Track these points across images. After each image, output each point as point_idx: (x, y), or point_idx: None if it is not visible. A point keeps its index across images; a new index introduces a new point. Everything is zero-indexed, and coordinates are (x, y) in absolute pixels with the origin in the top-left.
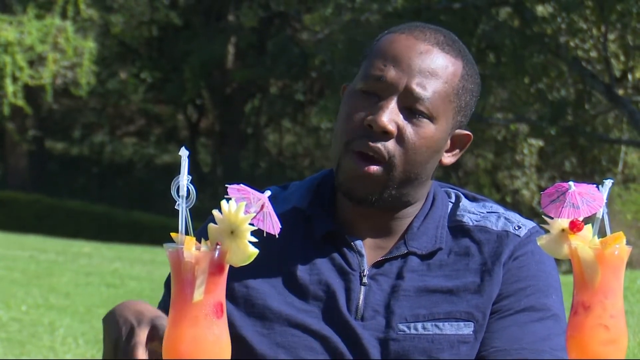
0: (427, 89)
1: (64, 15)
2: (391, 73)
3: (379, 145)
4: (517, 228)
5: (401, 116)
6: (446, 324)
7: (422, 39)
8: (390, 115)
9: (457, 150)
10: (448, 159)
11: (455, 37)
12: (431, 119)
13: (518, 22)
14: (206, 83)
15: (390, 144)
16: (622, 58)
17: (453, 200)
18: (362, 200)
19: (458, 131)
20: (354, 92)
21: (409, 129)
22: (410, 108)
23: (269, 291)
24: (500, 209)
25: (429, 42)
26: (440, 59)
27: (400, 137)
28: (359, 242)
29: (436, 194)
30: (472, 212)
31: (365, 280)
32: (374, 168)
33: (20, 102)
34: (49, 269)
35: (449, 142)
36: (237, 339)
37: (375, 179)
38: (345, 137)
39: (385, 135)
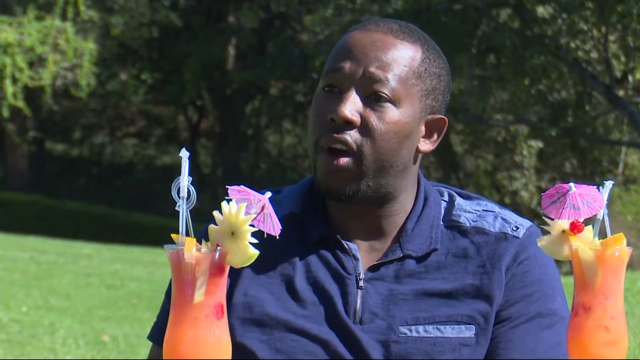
0: (385, 72)
1: (64, 17)
2: (347, 64)
3: (344, 135)
4: (515, 229)
5: (363, 104)
6: (447, 327)
7: (375, 29)
8: (351, 105)
9: (435, 137)
10: (426, 145)
11: (413, 26)
12: (394, 102)
13: (518, 23)
14: (206, 84)
15: (356, 134)
16: (622, 59)
17: (446, 199)
18: (340, 195)
19: (431, 116)
20: (318, 93)
21: (372, 116)
22: (372, 94)
23: (267, 298)
24: (496, 208)
25: (382, 31)
26: (397, 45)
27: (364, 125)
28: (353, 246)
29: (428, 193)
30: (468, 211)
31: (361, 283)
32: (344, 160)
33: (20, 103)
34: (49, 270)
35: (423, 128)
36: (237, 346)
37: (348, 171)
38: (314, 136)
39: (349, 125)
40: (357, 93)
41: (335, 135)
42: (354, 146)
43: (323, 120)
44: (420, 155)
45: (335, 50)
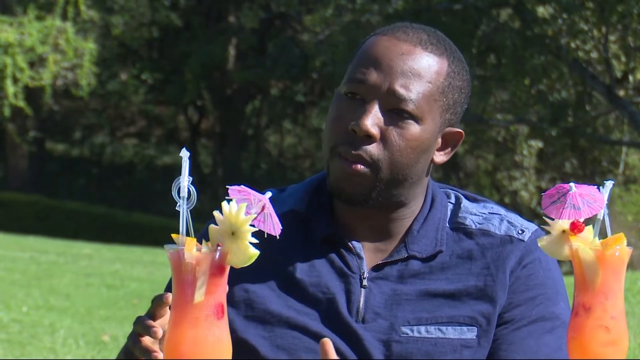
0: (410, 90)
1: (64, 17)
2: (373, 76)
3: (360, 152)
4: (520, 232)
5: (385, 119)
6: (449, 328)
7: (404, 39)
8: (373, 119)
9: (449, 149)
10: (440, 157)
11: (441, 34)
12: (416, 119)
13: (519, 23)
14: (207, 84)
15: (374, 148)
16: (622, 59)
17: (453, 201)
18: (352, 200)
19: (449, 129)
20: (339, 95)
21: (393, 132)
22: (394, 110)
23: (269, 295)
24: (502, 211)
25: (410, 42)
26: (423, 58)
27: (384, 140)
28: (358, 245)
29: (435, 195)
30: (474, 213)
31: (365, 282)
32: (361, 167)
33: (21, 103)
34: (49, 270)
35: (439, 140)
36: (239, 342)
37: (363, 178)
38: (331, 141)
39: (368, 139)
40: (380, 106)
41: (353, 151)
42: (371, 160)
43: (342, 127)
44: (432, 165)
45: (362, 55)
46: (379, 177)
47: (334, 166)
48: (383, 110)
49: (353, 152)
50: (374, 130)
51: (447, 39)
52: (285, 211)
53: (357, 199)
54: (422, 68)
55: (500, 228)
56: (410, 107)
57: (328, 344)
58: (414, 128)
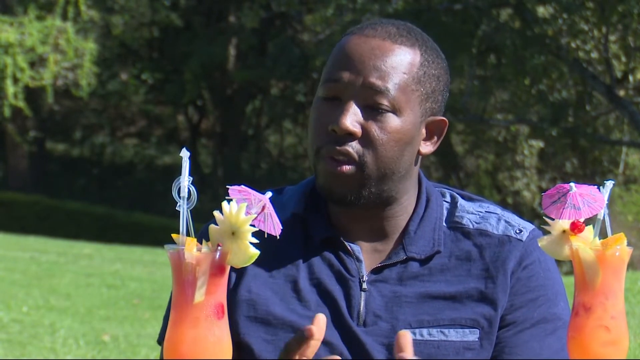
0: (385, 82)
1: (64, 17)
2: (346, 75)
3: (347, 147)
4: (518, 232)
5: (363, 115)
6: (451, 330)
7: (373, 35)
8: (352, 117)
9: (435, 138)
10: (427, 148)
11: (411, 26)
12: (395, 112)
13: (519, 23)
14: (207, 84)
15: (358, 145)
16: (623, 59)
17: (448, 200)
18: (342, 200)
19: (431, 118)
20: (317, 99)
21: (373, 126)
22: (372, 105)
23: (271, 297)
24: (499, 210)
25: (380, 37)
26: (394, 51)
27: (366, 136)
28: (356, 248)
29: (430, 194)
30: (470, 212)
31: (364, 286)
32: (347, 167)
33: (21, 103)
34: (49, 270)
35: (423, 131)
36: (241, 345)
37: (351, 178)
38: (315, 144)
39: (350, 136)
40: (357, 103)
41: (337, 147)
42: (356, 157)
43: (324, 130)
44: (420, 157)
45: (334, 58)
46: (365, 173)
47: (320, 168)
48: (361, 107)
49: (337, 148)
50: (354, 128)
51: (418, 30)
52: (287, 215)
53: (348, 199)
54: (394, 60)
55: (497, 228)
56: (386, 99)
57: (321, 319)
58: (393, 120)
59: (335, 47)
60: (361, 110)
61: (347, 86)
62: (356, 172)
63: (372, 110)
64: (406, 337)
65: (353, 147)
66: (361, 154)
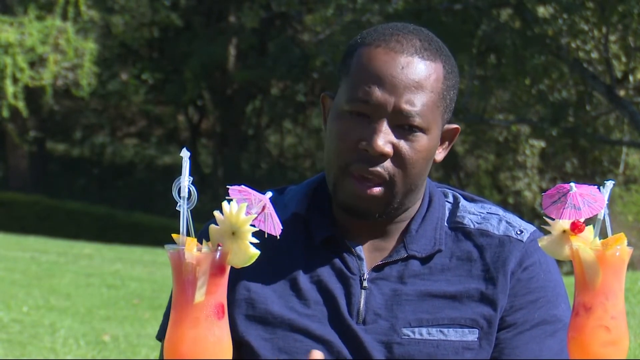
0: (415, 105)
1: (64, 17)
2: (377, 94)
3: (379, 169)
4: (519, 232)
5: (394, 135)
6: (450, 330)
7: (400, 50)
8: (385, 137)
9: (447, 144)
10: (440, 155)
11: (431, 35)
12: (423, 130)
13: (519, 23)
14: (207, 84)
15: (389, 164)
16: (623, 59)
17: (451, 200)
18: (368, 217)
19: (446, 126)
20: (341, 112)
21: (404, 146)
22: (403, 125)
23: (271, 295)
24: (500, 211)
25: (407, 52)
26: (422, 68)
27: (397, 156)
28: (358, 247)
29: (432, 194)
30: (472, 212)
31: (365, 284)
32: (377, 190)
33: (20, 103)
34: (49, 270)
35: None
36: (240, 343)
37: (379, 199)
38: (341, 160)
39: (382, 157)
40: (388, 123)
41: (369, 168)
42: (387, 177)
43: (353, 146)
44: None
45: (362, 73)
46: (394, 192)
47: (346, 185)
48: (391, 127)
49: (370, 169)
50: (387, 149)
51: (436, 37)
52: (289, 215)
53: (374, 216)
54: (423, 78)
55: (498, 228)
56: (417, 121)
57: (318, 355)
58: (423, 139)
59: (358, 60)
60: (392, 130)
61: (378, 106)
62: (385, 193)
63: (402, 130)
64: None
65: (385, 168)
66: (392, 173)
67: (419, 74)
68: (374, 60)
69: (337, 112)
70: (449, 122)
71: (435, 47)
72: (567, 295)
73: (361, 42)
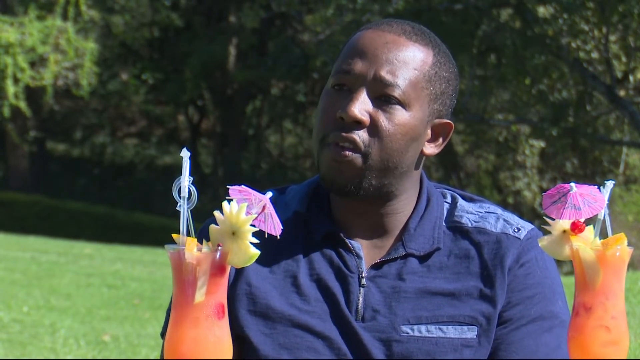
0: (396, 76)
1: (65, 17)
2: (358, 65)
3: (353, 135)
4: (516, 230)
5: (372, 105)
6: (450, 327)
7: (388, 30)
8: (361, 105)
9: (440, 140)
10: (431, 149)
11: (425, 29)
12: (403, 105)
13: (519, 23)
14: (207, 84)
15: (364, 134)
16: (623, 59)
17: (449, 200)
18: (343, 188)
19: (438, 120)
20: (326, 90)
21: (381, 117)
22: (382, 96)
23: (271, 291)
24: (499, 210)
25: (395, 32)
26: (409, 47)
27: (373, 125)
28: (356, 244)
29: (431, 194)
30: (470, 212)
31: (364, 281)
32: (350, 153)
33: (21, 103)
34: (50, 270)
35: (429, 131)
36: (241, 338)
37: (353, 165)
38: (320, 132)
39: (357, 124)
40: (367, 94)
41: (343, 134)
42: (362, 146)
43: (331, 118)
44: (423, 158)
45: (347, 49)
46: (368, 164)
47: (324, 156)
48: (370, 97)
49: (343, 134)
50: (362, 116)
51: (433, 34)
52: (290, 214)
53: (349, 188)
54: (407, 56)
55: (496, 226)
56: (397, 92)
57: None
58: (401, 114)
59: (349, 40)
60: (371, 100)
61: (358, 77)
62: (359, 161)
63: (381, 102)
64: None
65: (359, 136)
66: (367, 143)
67: (403, 50)
68: (361, 38)
69: (324, 91)
70: (442, 118)
71: (428, 37)
72: (564, 292)
73: (358, 30)
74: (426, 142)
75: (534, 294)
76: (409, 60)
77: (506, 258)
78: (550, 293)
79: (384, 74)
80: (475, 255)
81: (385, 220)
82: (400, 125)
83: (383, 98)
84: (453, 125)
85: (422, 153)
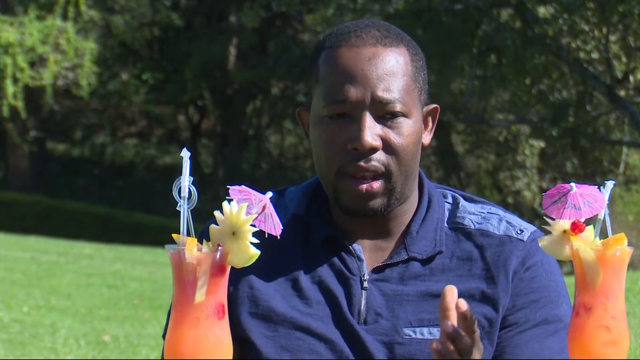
0: (392, 91)
1: (65, 17)
2: (352, 91)
3: (373, 163)
4: (519, 232)
5: (379, 126)
6: None
7: (362, 44)
8: (371, 131)
9: (431, 125)
10: (427, 138)
11: (387, 24)
12: (406, 115)
13: (519, 23)
14: (207, 84)
15: (381, 156)
16: (623, 59)
17: (450, 201)
18: (372, 215)
19: (426, 108)
20: (321, 118)
21: (391, 135)
22: (385, 114)
23: (273, 293)
24: (500, 211)
25: (369, 44)
26: (388, 55)
27: (386, 145)
28: (358, 247)
29: (432, 195)
30: (472, 212)
31: (365, 284)
32: (376, 184)
33: (19, 103)
34: (50, 270)
35: (422, 124)
36: (243, 340)
37: (380, 193)
38: (334, 164)
39: (373, 151)
40: (371, 116)
41: (363, 164)
42: (383, 168)
43: (340, 148)
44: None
45: (332, 76)
46: (392, 182)
47: (345, 188)
48: (375, 119)
49: (364, 165)
50: (375, 142)
51: (393, 26)
52: (289, 217)
53: (379, 212)
54: (392, 65)
55: (499, 228)
56: (398, 106)
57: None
58: (407, 123)
59: (324, 65)
60: (376, 123)
61: (356, 104)
62: (385, 185)
63: (386, 120)
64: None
65: (378, 160)
66: (386, 163)
67: (387, 61)
68: (340, 59)
69: (317, 119)
70: (427, 104)
71: (394, 33)
72: (568, 295)
73: (322, 46)
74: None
75: (539, 298)
76: (395, 69)
77: (510, 261)
78: (555, 296)
79: (381, 93)
80: (478, 257)
81: (388, 223)
82: (409, 135)
83: (387, 116)
84: (438, 107)
85: (422, 146)
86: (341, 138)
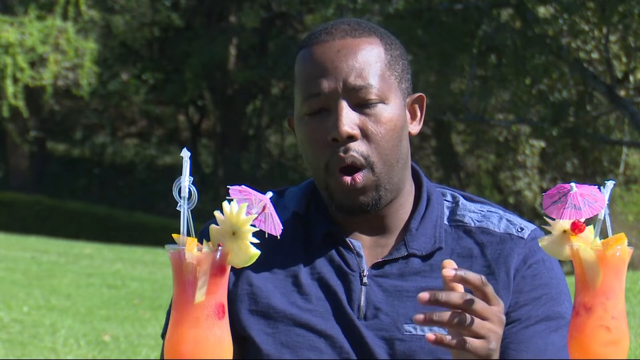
0: (365, 77)
1: (65, 17)
2: (325, 84)
3: (352, 153)
4: (519, 230)
5: (357, 114)
6: None
7: (331, 38)
8: (347, 119)
9: (419, 115)
10: (415, 128)
11: (360, 20)
12: (382, 101)
13: (519, 23)
14: (207, 84)
15: (360, 146)
16: (623, 59)
17: (450, 199)
18: (365, 209)
19: (409, 98)
20: (302, 118)
21: (369, 123)
22: (360, 102)
23: (273, 290)
24: (500, 210)
25: (339, 37)
26: (359, 45)
27: (365, 134)
28: (357, 243)
29: (431, 193)
30: (472, 211)
31: (365, 280)
32: (360, 176)
33: (20, 103)
34: (50, 270)
35: (408, 113)
36: (243, 338)
37: (366, 184)
38: (321, 161)
39: (351, 139)
40: (347, 106)
41: (342, 155)
42: (363, 159)
43: (323, 144)
44: (411, 140)
45: (305, 73)
46: (377, 172)
47: (334, 185)
48: (351, 108)
49: (342, 155)
50: (353, 130)
51: (362, 20)
52: (289, 216)
53: (370, 205)
54: (364, 54)
55: (499, 226)
56: (373, 92)
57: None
58: (384, 111)
59: (298, 64)
60: (352, 112)
61: (330, 95)
62: (370, 176)
63: (362, 108)
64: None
65: (357, 151)
66: (366, 154)
67: (357, 51)
68: (312, 56)
69: (299, 119)
70: (411, 94)
71: (366, 26)
72: (569, 293)
73: (298, 50)
74: (409, 124)
75: (541, 295)
76: (367, 56)
77: (511, 258)
78: (557, 294)
79: (354, 80)
80: (479, 254)
81: (385, 219)
82: (387, 122)
83: (362, 104)
84: (424, 95)
85: (409, 135)
86: (322, 132)
